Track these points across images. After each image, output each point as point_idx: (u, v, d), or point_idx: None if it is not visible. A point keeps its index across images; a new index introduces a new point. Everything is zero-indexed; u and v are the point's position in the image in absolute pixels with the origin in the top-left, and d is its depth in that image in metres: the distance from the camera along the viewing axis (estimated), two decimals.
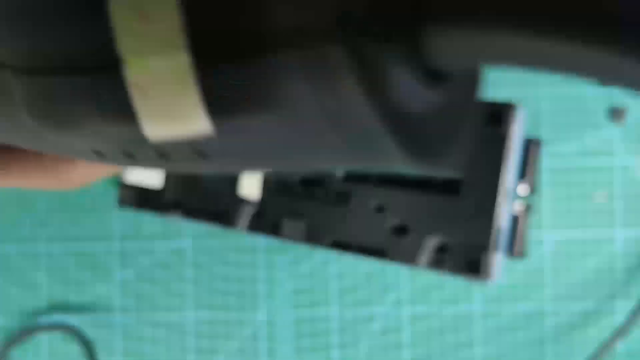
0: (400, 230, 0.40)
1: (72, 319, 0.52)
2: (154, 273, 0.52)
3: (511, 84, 0.51)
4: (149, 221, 0.52)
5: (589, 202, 0.51)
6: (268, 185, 0.43)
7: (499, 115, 0.38)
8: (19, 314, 0.52)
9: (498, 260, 0.38)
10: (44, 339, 0.52)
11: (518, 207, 0.41)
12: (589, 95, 0.51)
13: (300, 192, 0.42)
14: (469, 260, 0.38)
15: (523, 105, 0.51)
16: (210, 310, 0.52)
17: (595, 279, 0.49)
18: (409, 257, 0.40)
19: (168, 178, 0.46)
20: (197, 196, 0.46)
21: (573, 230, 0.49)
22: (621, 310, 0.49)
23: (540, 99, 0.51)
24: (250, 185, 0.44)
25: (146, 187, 0.47)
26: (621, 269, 0.50)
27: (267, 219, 0.43)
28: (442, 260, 0.39)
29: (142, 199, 0.47)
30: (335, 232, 0.42)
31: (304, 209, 0.43)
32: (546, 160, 0.51)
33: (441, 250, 0.39)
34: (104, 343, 0.52)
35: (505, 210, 0.38)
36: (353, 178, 0.42)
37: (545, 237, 0.49)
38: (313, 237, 0.42)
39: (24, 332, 0.50)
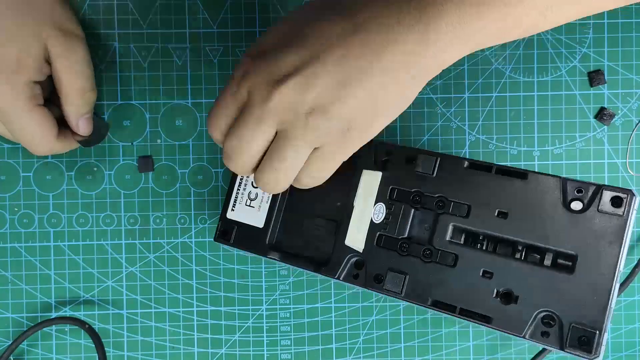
0: (508, 298, 0.40)
1: (81, 313, 0.53)
2: (159, 268, 0.53)
3: (504, 86, 0.52)
4: (155, 217, 0.53)
5: None
6: (373, 238, 0.43)
7: (619, 200, 0.38)
8: (29, 308, 0.53)
9: (605, 340, 0.38)
10: (53, 332, 0.53)
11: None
12: (579, 96, 0.52)
13: (406, 248, 0.42)
14: (581, 337, 0.38)
15: (516, 106, 0.52)
16: (213, 304, 0.53)
17: None
18: (516, 327, 0.39)
19: (269, 220, 0.46)
20: (298, 242, 0.46)
21: None
22: None
23: (533, 100, 0.52)
24: (357, 236, 0.44)
25: (247, 224, 0.47)
26: None
27: (369, 270, 0.43)
28: (547, 333, 0.38)
29: (241, 236, 0.47)
30: (437, 292, 0.41)
31: (407, 265, 0.42)
32: (537, 159, 0.52)
33: (546, 322, 0.39)
34: (111, 336, 0.53)
35: (616, 292, 0.38)
36: (462, 241, 0.42)
37: None
38: (414, 294, 0.42)
39: (34, 325, 0.51)
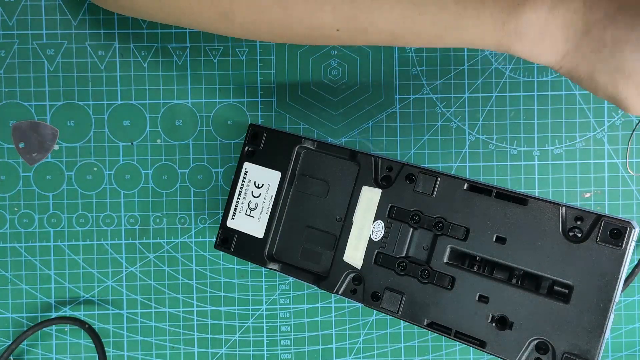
0: (503, 324, 0.40)
1: (81, 313, 0.53)
2: (159, 268, 0.53)
3: (504, 86, 0.52)
4: (155, 217, 0.53)
5: (579, 199, 0.52)
6: (372, 256, 0.44)
7: (618, 232, 0.38)
8: (29, 308, 0.53)
9: None
10: (53, 332, 0.53)
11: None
12: (579, 96, 0.52)
13: (404, 268, 0.43)
14: None
15: (516, 106, 0.52)
16: (213, 304, 0.53)
17: None
18: (510, 354, 0.39)
19: (269, 230, 0.47)
20: (297, 254, 0.46)
21: None
22: None
23: (533, 100, 0.52)
24: (355, 253, 0.44)
25: (247, 234, 0.47)
26: None
27: (366, 287, 0.44)
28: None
29: (240, 245, 0.48)
30: (433, 314, 0.42)
31: (404, 285, 0.43)
32: (537, 159, 0.52)
33: (539, 350, 0.39)
34: (111, 336, 0.53)
35: (610, 323, 0.38)
36: (459, 264, 0.42)
37: None
38: (410, 314, 0.42)
39: (34, 325, 0.51)
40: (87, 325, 0.51)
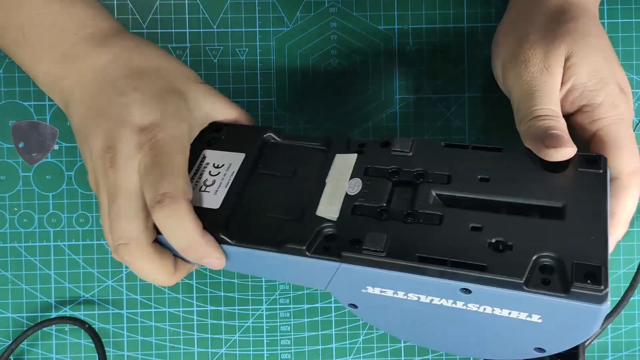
0: (502, 247, 0.37)
1: (81, 313, 0.53)
2: None
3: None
4: None
5: None
6: (349, 208, 0.40)
7: (594, 160, 0.39)
8: (29, 308, 0.53)
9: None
10: (53, 332, 0.53)
11: None
12: None
13: (386, 213, 0.39)
14: (587, 273, 0.35)
15: None
16: (213, 304, 0.53)
17: None
18: (514, 273, 0.36)
19: (228, 203, 0.42)
20: (259, 226, 0.42)
21: None
22: None
23: None
24: (329, 207, 0.40)
25: (201, 207, 0.42)
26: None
27: (343, 237, 0.39)
28: (547, 280, 0.35)
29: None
30: (424, 249, 0.37)
31: (388, 228, 0.39)
32: None
33: (544, 269, 0.36)
34: (111, 336, 0.53)
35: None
36: (444, 203, 0.40)
37: None
38: (398, 253, 0.37)
39: (34, 325, 0.51)
40: (87, 325, 0.51)
